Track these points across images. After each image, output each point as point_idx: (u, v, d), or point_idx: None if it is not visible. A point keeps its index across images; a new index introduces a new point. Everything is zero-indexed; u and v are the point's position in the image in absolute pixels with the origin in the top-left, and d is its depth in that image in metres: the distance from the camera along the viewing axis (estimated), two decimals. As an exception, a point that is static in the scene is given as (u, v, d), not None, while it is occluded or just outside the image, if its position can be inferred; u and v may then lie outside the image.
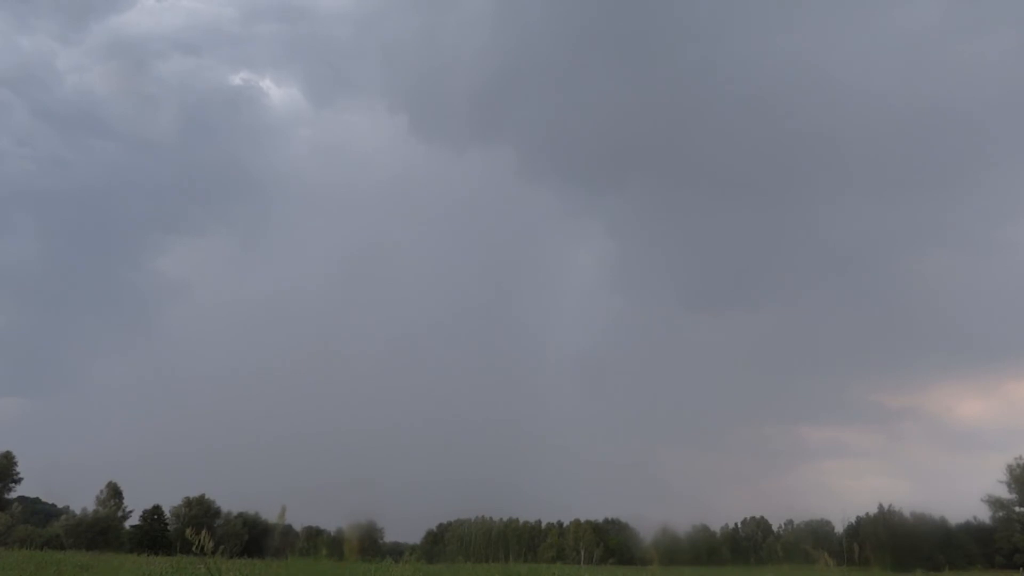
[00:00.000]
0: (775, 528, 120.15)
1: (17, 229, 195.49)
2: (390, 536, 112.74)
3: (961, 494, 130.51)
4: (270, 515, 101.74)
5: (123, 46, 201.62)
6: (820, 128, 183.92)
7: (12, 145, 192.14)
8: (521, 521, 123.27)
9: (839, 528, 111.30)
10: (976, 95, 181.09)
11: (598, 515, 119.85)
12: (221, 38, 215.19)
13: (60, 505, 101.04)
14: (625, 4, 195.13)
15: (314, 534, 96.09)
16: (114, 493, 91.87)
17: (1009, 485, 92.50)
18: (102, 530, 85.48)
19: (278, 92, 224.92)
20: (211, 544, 9.15)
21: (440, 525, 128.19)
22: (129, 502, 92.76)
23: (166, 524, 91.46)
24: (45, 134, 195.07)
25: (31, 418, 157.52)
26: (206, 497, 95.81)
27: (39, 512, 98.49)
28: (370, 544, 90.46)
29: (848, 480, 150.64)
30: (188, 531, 10.60)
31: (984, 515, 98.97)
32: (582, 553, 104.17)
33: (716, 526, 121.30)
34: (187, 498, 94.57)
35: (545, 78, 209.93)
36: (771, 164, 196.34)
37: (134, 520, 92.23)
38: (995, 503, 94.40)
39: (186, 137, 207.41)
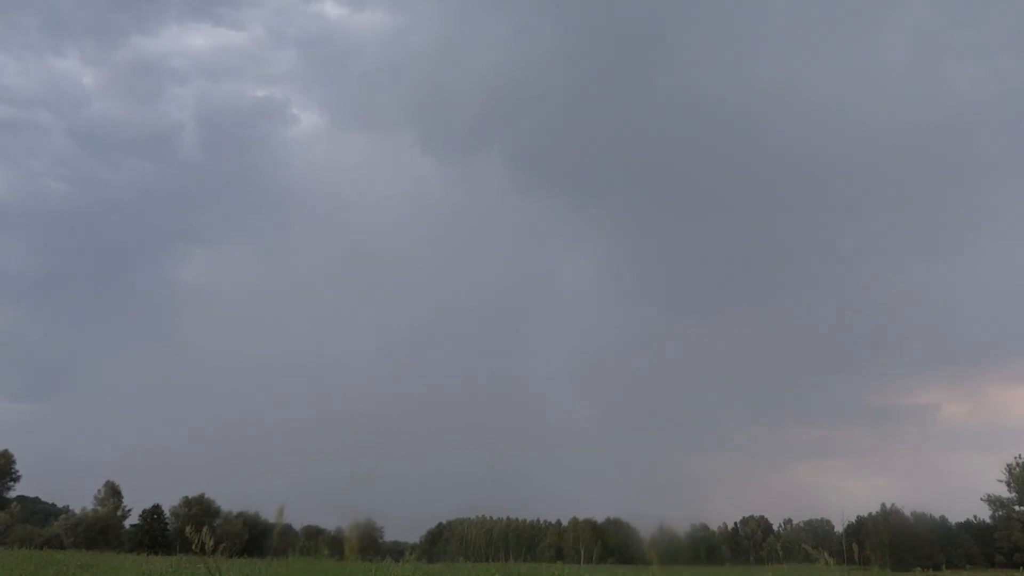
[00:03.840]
0: (775, 527, 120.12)
1: (43, 244, 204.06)
2: (390, 535, 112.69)
3: (953, 493, 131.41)
4: (270, 515, 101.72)
5: (149, 67, 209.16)
6: (797, 148, 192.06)
7: (49, 165, 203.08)
8: (520, 520, 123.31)
9: (839, 527, 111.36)
10: (946, 120, 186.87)
11: (597, 514, 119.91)
12: (244, 60, 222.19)
13: (60, 504, 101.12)
14: (614, 37, 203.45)
15: (314, 533, 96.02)
16: (113, 492, 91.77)
17: (1009, 484, 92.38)
18: (102, 529, 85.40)
19: (297, 112, 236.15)
20: (212, 541, 9.10)
21: (440, 524, 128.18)
22: (129, 502, 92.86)
23: (166, 524, 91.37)
24: (76, 153, 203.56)
25: (42, 423, 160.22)
26: (206, 497, 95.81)
27: (38, 511, 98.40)
28: (370, 543, 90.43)
29: (843, 479, 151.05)
30: (188, 528, 10.55)
31: (984, 514, 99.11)
32: (582, 552, 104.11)
33: (715, 525, 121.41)
34: (186, 497, 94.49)
35: (545, 104, 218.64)
36: (750, 186, 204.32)
37: (134, 519, 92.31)
38: (995, 502, 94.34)
39: (208, 153, 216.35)
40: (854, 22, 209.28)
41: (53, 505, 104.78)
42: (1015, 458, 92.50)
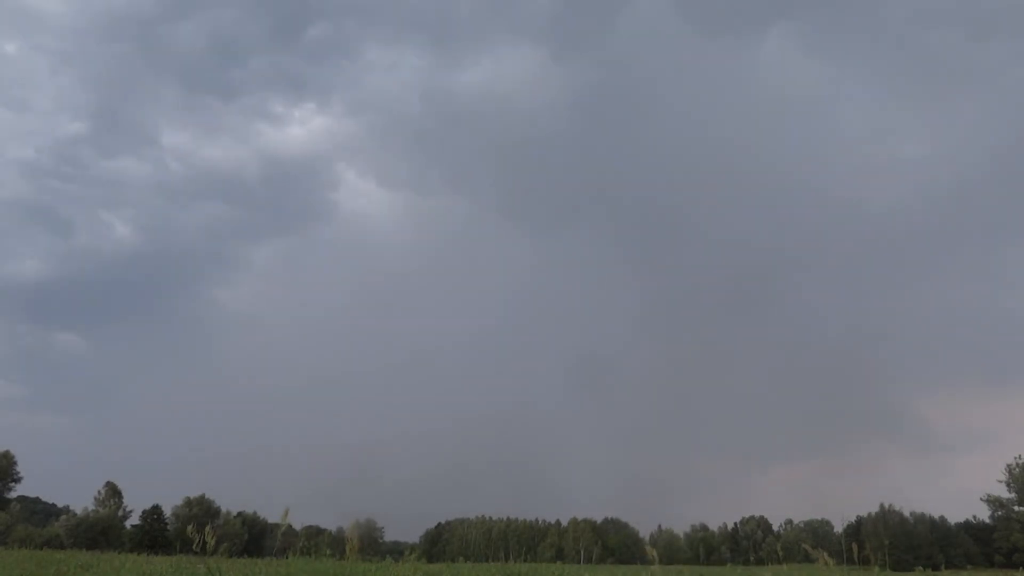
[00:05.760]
0: (775, 527, 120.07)
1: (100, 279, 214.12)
2: (390, 535, 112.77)
3: (952, 493, 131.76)
4: (270, 514, 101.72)
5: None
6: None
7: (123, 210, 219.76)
8: (520, 520, 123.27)
9: (838, 527, 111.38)
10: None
11: (597, 515, 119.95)
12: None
13: (60, 505, 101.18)
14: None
15: (315, 533, 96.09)
16: (113, 493, 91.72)
17: (1009, 484, 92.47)
18: (102, 530, 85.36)
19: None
20: (214, 541, 9.15)
21: (439, 524, 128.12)
22: (129, 502, 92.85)
23: (166, 524, 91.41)
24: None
25: (66, 433, 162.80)
26: (206, 497, 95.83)
27: (39, 512, 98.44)
28: (370, 543, 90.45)
29: (843, 479, 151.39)
30: (190, 528, 10.60)
31: (983, 514, 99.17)
32: (582, 552, 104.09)
33: (715, 525, 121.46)
34: (187, 498, 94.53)
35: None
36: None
37: (134, 520, 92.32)
38: (994, 502, 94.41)
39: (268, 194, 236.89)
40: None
41: (53, 505, 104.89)
42: (1015, 458, 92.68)
